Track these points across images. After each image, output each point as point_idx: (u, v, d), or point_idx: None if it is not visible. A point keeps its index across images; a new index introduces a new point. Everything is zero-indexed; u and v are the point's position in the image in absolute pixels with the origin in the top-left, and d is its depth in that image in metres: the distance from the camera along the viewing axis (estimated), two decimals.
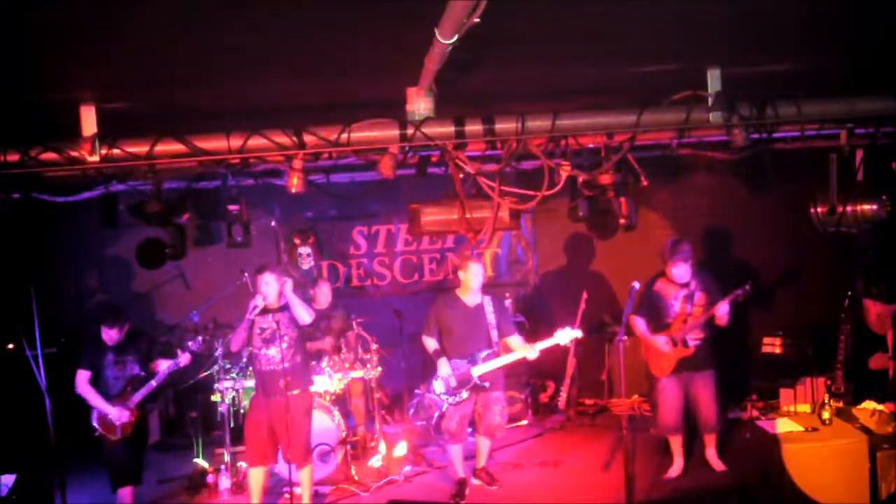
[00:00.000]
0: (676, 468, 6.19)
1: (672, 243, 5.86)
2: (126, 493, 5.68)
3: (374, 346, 6.92)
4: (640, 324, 6.03)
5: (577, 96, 5.07)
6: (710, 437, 6.18)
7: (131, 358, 5.66)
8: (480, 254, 7.85)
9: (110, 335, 5.62)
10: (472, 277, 5.97)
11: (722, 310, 5.72)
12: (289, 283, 5.61)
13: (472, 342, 5.96)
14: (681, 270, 5.82)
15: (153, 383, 5.61)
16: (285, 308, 5.62)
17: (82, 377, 5.56)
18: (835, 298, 6.51)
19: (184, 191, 6.44)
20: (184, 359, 5.70)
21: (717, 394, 6.03)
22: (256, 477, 5.73)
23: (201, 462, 6.80)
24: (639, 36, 3.85)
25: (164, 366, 5.67)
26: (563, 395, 8.11)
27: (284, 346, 5.55)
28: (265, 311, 5.59)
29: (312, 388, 6.19)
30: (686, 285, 5.90)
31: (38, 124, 4.61)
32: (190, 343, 5.79)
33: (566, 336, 5.82)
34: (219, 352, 6.67)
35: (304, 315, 5.56)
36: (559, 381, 8.14)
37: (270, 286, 5.57)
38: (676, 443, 6.18)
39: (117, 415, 5.53)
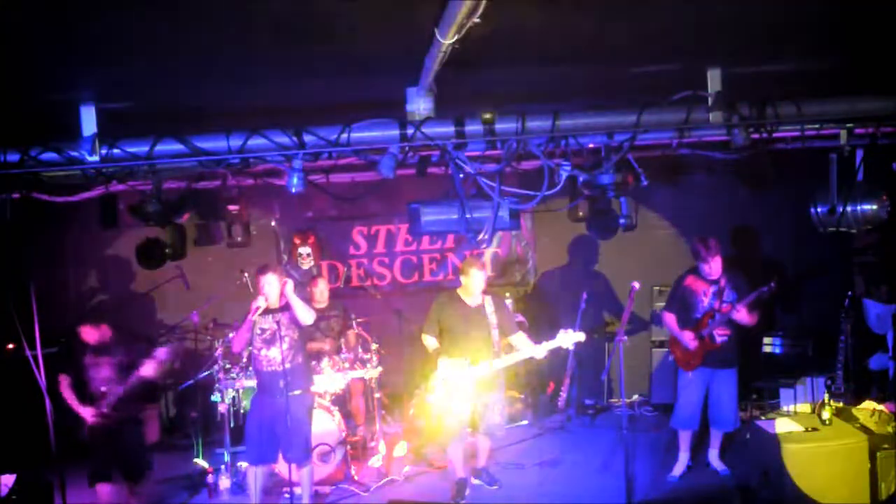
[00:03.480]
0: (681, 464, 6.23)
1: (703, 240, 5.92)
2: (104, 490, 5.62)
3: (374, 346, 6.92)
4: (670, 319, 6.14)
5: (577, 96, 5.07)
6: (718, 436, 6.22)
7: (107, 360, 5.60)
8: (481, 255, 7.85)
9: (90, 334, 5.61)
10: (474, 282, 5.99)
11: (740, 315, 5.82)
12: (290, 284, 5.59)
13: (473, 341, 5.95)
14: (716, 266, 5.90)
15: (120, 389, 5.50)
16: (286, 308, 5.60)
17: (63, 381, 5.54)
18: (835, 298, 6.51)
19: (184, 191, 6.44)
20: (147, 369, 5.56)
21: (737, 392, 6.11)
22: (257, 476, 5.73)
23: (201, 462, 6.80)
24: (639, 36, 3.85)
25: (133, 376, 5.59)
26: (563, 395, 8.11)
27: (285, 346, 5.54)
28: (266, 311, 5.58)
29: (313, 389, 6.21)
30: (716, 282, 5.97)
31: (38, 124, 4.60)
32: (157, 350, 5.62)
33: (569, 339, 5.80)
34: (219, 352, 6.68)
35: (306, 316, 5.56)
36: (559, 381, 8.15)
37: (272, 286, 5.55)
38: (686, 437, 6.24)
39: (86, 415, 5.51)
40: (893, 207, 5.83)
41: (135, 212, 5.98)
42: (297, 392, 5.60)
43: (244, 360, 6.67)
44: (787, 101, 4.78)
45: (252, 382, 6.63)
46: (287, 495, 5.76)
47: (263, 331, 5.63)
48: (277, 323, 5.55)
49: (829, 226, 6.10)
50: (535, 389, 8.25)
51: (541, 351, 5.85)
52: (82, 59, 3.67)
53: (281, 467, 5.93)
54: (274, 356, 5.57)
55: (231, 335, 6.57)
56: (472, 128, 4.71)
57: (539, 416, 8.09)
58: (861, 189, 5.93)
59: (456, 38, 3.07)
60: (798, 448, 5.17)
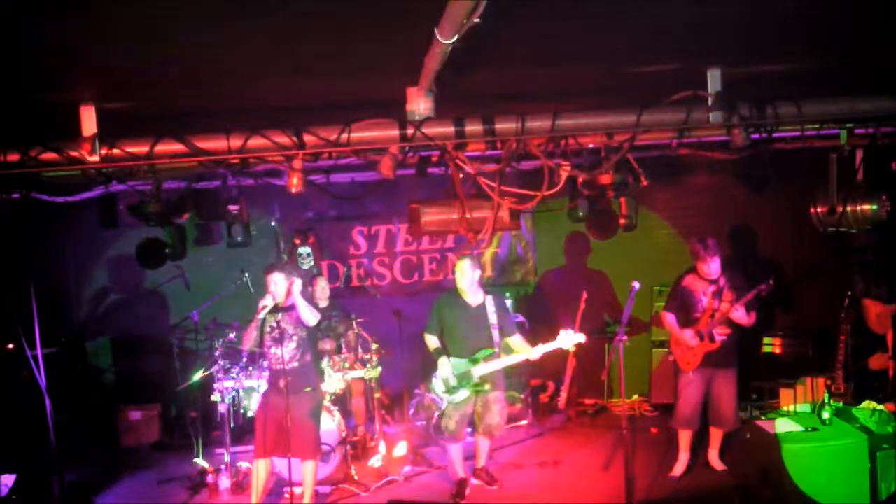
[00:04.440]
0: (681, 464, 6.23)
1: (701, 241, 5.95)
2: None
3: (374, 346, 6.92)
4: (670, 319, 6.15)
5: (577, 96, 5.07)
6: (718, 436, 6.23)
7: None
8: (480, 254, 7.85)
9: None
10: (459, 277, 6.01)
11: (737, 315, 5.83)
12: (297, 283, 5.62)
13: (474, 341, 5.96)
14: (715, 266, 5.92)
15: None
16: (293, 307, 5.63)
17: None
18: (835, 298, 6.51)
19: (184, 191, 6.44)
20: None
21: (737, 392, 6.11)
22: (260, 470, 5.77)
23: (201, 462, 6.80)
24: (639, 36, 3.85)
25: None
26: (563, 395, 8.11)
27: (293, 345, 5.60)
28: (275, 309, 5.62)
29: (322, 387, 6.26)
30: (715, 281, 5.99)
31: (38, 124, 4.60)
32: None
33: (569, 340, 5.80)
34: (219, 352, 6.68)
35: (310, 317, 5.59)
36: (559, 381, 8.15)
37: (279, 285, 5.60)
38: (686, 437, 6.25)
39: None
40: (893, 207, 5.84)
41: (135, 212, 5.98)
42: (307, 389, 5.65)
43: (244, 359, 6.68)
44: (787, 101, 4.78)
45: (252, 382, 6.66)
46: (287, 495, 5.76)
47: (272, 329, 5.65)
48: (284, 321, 5.58)
49: (829, 226, 6.11)
50: (535, 389, 8.24)
51: (536, 353, 5.86)
52: (82, 59, 3.67)
53: (281, 467, 5.93)
54: (281, 354, 5.59)
55: (232, 334, 6.62)
56: (472, 128, 4.71)
57: (539, 416, 8.08)
58: (861, 189, 5.93)
59: (456, 38, 3.07)
60: (798, 448, 5.17)
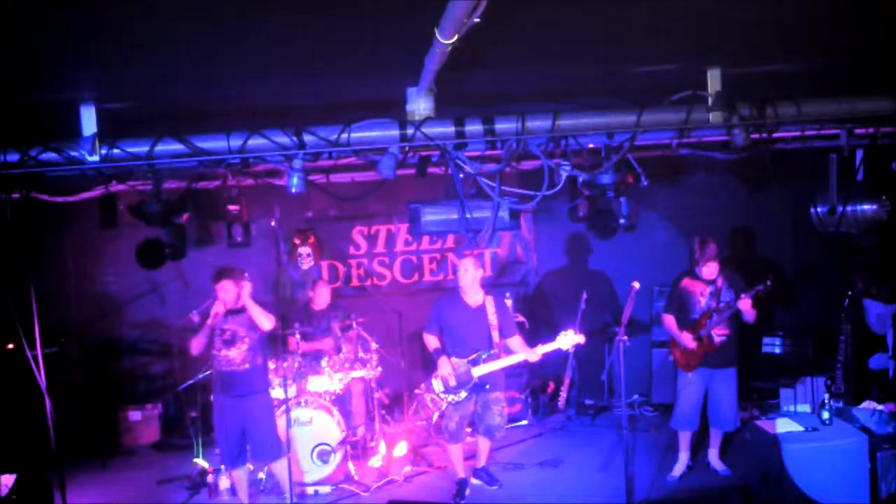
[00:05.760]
0: (681, 465, 6.23)
1: (700, 242, 5.96)
2: None
3: (374, 346, 6.92)
4: (669, 321, 6.15)
5: (577, 96, 5.07)
6: (718, 436, 6.22)
7: None
8: (481, 254, 7.84)
9: None
10: (461, 277, 6.02)
11: (744, 305, 5.82)
12: (247, 288, 5.65)
13: (473, 342, 5.97)
14: (711, 268, 5.93)
15: None
16: (244, 310, 5.67)
17: None
18: (835, 298, 6.51)
19: (184, 191, 6.43)
20: None
21: (737, 392, 6.11)
22: (240, 477, 5.86)
23: (201, 462, 6.80)
24: (639, 36, 3.85)
25: None
26: (563, 396, 8.10)
27: (245, 347, 5.64)
28: (227, 312, 5.67)
29: (311, 388, 6.27)
30: (713, 282, 5.99)
31: (38, 124, 4.60)
32: None
33: (568, 341, 5.82)
34: None
35: (264, 322, 5.61)
36: (559, 381, 8.14)
37: (227, 293, 5.64)
38: (686, 438, 6.25)
39: None
40: (893, 207, 5.84)
41: (135, 212, 5.98)
42: (257, 394, 5.70)
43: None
44: (787, 101, 4.78)
45: None
46: (287, 494, 5.76)
47: (223, 332, 5.70)
48: (235, 324, 5.65)
49: (829, 226, 6.11)
50: (535, 389, 8.24)
51: (535, 354, 5.88)
52: (82, 59, 3.67)
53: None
54: (233, 356, 5.65)
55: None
56: (472, 128, 4.71)
57: (539, 416, 8.09)
58: (861, 189, 5.93)
59: (456, 38, 3.07)
60: (798, 448, 5.17)
